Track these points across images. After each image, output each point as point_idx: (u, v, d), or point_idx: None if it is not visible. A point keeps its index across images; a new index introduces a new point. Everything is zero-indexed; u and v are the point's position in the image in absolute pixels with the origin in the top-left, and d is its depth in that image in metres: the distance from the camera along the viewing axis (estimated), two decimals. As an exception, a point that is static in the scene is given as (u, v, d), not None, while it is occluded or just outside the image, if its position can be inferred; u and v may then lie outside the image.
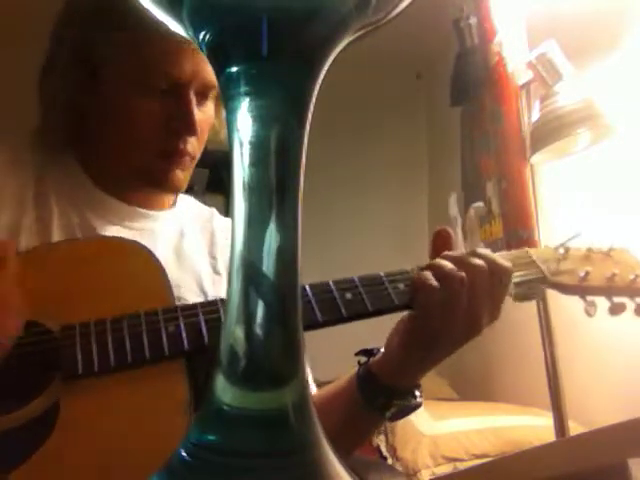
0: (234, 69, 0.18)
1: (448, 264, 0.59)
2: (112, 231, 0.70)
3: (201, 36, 0.18)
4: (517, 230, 1.40)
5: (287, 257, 0.19)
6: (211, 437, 0.18)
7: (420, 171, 2.47)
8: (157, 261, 0.62)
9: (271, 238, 0.18)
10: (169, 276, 0.62)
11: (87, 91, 0.68)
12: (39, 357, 0.55)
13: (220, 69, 0.18)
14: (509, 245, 1.45)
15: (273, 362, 0.19)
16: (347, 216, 2.28)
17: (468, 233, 0.65)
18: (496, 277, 0.60)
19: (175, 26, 0.19)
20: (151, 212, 0.73)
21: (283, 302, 0.19)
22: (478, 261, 0.59)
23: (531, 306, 1.38)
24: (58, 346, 0.55)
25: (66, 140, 0.71)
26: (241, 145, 0.18)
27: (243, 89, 0.18)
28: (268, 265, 0.18)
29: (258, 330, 0.18)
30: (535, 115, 1.24)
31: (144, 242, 0.65)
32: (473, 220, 0.64)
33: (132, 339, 0.55)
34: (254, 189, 0.18)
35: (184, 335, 0.56)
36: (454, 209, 0.54)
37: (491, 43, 1.49)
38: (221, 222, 0.81)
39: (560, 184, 1.44)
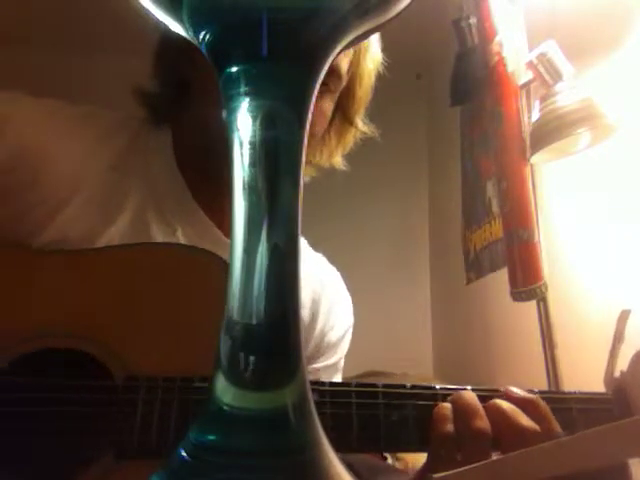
0: (234, 69, 0.18)
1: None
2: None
3: (201, 36, 0.18)
4: (517, 230, 1.40)
5: (287, 257, 0.19)
6: (211, 437, 0.18)
7: (420, 171, 2.47)
8: None
9: (271, 238, 0.18)
10: None
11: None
12: (95, 417, 0.49)
13: (220, 69, 0.18)
14: (509, 245, 1.45)
15: (273, 362, 0.19)
16: (345, 216, 2.28)
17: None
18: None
19: (175, 26, 0.19)
20: None
21: (283, 302, 0.19)
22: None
23: (531, 306, 1.38)
24: (117, 408, 0.48)
25: (168, 108, 0.70)
26: (241, 145, 0.18)
27: (243, 89, 0.18)
28: (268, 265, 0.18)
29: (258, 330, 0.18)
30: (535, 115, 1.24)
31: None
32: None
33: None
34: (254, 189, 0.18)
35: None
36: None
37: (491, 43, 1.49)
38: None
39: (560, 184, 1.44)
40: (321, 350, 0.75)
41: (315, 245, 0.81)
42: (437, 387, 0.53)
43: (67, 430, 0.48)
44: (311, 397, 0.19)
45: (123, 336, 0.52)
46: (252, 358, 0.18)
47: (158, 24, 0.19)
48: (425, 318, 2.30)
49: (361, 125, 0.75)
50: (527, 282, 1.37)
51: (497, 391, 0.53)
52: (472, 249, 1.88)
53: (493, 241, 1.69)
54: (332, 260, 0.83)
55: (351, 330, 0.81)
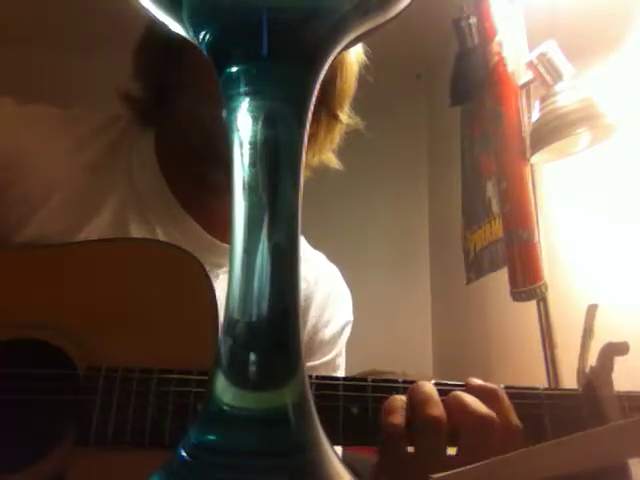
0: (234, 69, 0.18)
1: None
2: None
3: (201, 36, 0.18)
4: (517, 230, 1.40)
5: (286, 257, 0.19)
6: (211, 437, 0.18)
7: (420, 171, 2.47)
8: (210, 283, 0.56)
9: (271, 237, 0.18)
10: None
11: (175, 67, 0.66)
12: (57, 405, 0.50)
13: (220, 69, 0.18)
14: (509, 245, 1.45)
15: (273, 362, 0.19)
16: (345, 216, 2.28)
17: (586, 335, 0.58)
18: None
19: (175, 26, 0.19)
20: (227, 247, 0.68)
21: (283, 302, 0.19)
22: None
23: (531, 306, 1.38)
24: (77, 397, 0.50)
25: (152, 111, 0.70)
26: (241, 145, 0.18)
27: (243, 89, 0.18)
28: (268, 264, 0.18)
29: (258, 329, 0.18)
30: (535, 115, 1.24)
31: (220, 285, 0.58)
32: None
33: (155, 410, 0.49)
34: (254, 189, 0.18)
35: None
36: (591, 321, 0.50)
37: (491, 43, 1.49)
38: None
39: (560, 184, 1.44)
40: (314, 347, 0.74)
41: (315, 245, 0.81)
42: (399, 380, 0.52)
43: (26, 417, 0.49)
44: (311, 396, 0.19)
45: (92, 328, 0.53)
46: (252, 358, 0.18)
47: (154, 23, 0.19)
48: (425, 318, 2.30)
49: (345, 118, 0.74)
50: (527, 282, 1.37)
51: (463, 386, 0.53)
52: (472, 249, 1.88)
53: (493, 241, 1.69)
54: (332, 260, 0.83)
55: (350, 327, 0.80)
